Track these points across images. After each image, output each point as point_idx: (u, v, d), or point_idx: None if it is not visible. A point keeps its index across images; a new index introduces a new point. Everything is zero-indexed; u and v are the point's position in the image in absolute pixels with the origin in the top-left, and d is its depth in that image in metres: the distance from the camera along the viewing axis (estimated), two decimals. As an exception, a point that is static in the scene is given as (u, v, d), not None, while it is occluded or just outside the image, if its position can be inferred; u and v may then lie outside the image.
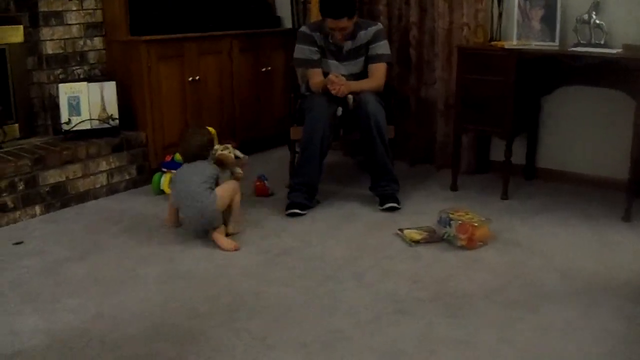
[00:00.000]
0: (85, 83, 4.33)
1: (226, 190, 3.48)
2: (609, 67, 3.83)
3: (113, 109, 4.38)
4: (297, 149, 4.11)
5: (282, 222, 3.79)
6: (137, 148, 4.42)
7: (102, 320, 2.70)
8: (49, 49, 4.31)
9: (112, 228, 3.73)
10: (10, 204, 3.77)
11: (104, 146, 4.24)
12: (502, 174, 4.17)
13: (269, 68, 5.22)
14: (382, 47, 4.11)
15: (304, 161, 3.92)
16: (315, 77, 4.07)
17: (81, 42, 4.47)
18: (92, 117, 4.33)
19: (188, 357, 2.43)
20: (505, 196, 4.12)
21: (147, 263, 3.25)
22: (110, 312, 2.76)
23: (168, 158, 4.25)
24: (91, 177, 4.18)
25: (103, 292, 2.94)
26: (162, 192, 4.24)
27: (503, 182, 4.14)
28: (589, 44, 3.91)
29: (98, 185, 4.23)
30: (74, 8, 4.39)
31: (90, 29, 4.50)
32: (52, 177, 3.97)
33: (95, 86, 4.34)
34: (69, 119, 4.29)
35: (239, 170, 3.86)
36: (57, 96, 4.28)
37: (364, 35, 4.06)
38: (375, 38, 4.08)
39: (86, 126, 4.32)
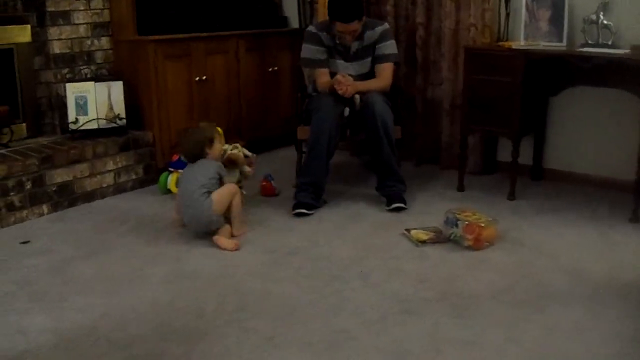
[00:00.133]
0: (92, 82, 4.34)
1: (223, 194, 3.48)
2: (617, 67, 3.82)
3: (120, 108, 4.39)
4: (304, 149, 4.11)
5: (288, 222, 3.79)
6: (144, 147, 4.43)
7: (109, 319, 2.70)
8: (57, 48, 4.32)
9: (119, 227, 3.73)
10: (17, 203, 3.78)
11: (111, 146, 4.25)
12: (509, 174, 4.16)
13: (276, 68, 5.22)
14: (389, 47, 4.10)
15: (311, 161, 3.92)
16: (322, 77, 4.07)
17: (88, 42, 4.48)
18: (99, 117, 4.34)
19: (195, 356, 2.43)
20: (512, 197, 4.11)
21: (154, 262, 3.26)
22: (117, 311, 2.76)
23: (175, 157, 4.26)
24: (98, 176, 4.19)
25: (110, 291, 2.95)
26: (169, 191, 4.25)
27: (510, 182, 4.13)
28: (597, 45, 3.90)
29: (105, 185, 4.24)
30: (82, 8, 4.40)
31: (98, 28, 4.51)
32: (60, 176, 3.98)
33: (102, 86, 4.36)
34: (76, 119, 4.30)
35: (247, 168, 3.88)
36: (65, 96, 4.29)
37: (370, 35, 4.06)
38: (382, 38, 4.08)
39: (93, 126, 4.33)
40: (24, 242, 3.51)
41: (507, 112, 3.99)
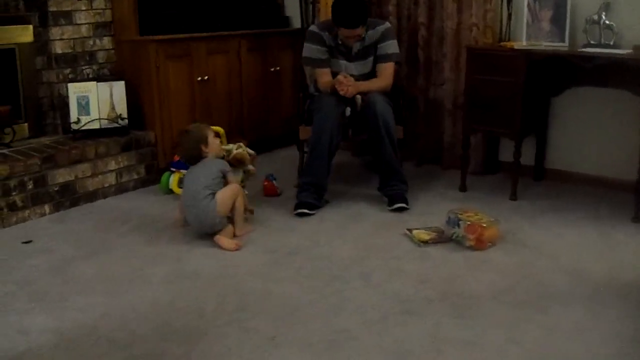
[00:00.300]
0: (94, 82, 4.35)
1: (226, 195, 3.48)
2: (619, 68, 3.81)
3: (122, 108, 4.39)
4: (306, 149, 4.11)
5: (290, 222, 3.79)
6: (145, 147, 4.43)
7: (110, 319, 2.71)
8: (58, 48, 4.32)
9: (120, 227, 3.74)
10: (19, 203, 3.78)
11: (113, 145, 4.26)
12: (511, 174, 4.15)
13: (278, 68, 5.22)
14: (391, 47, 4.10)
15: (313, 161, 3.92)
16: (324, 76, 4.07)
17: (90, 42, 4.49)
18: (101, 117, 4.35)
19: (195, 356, 2.43)
20: (514, 197, 4.11)
21: (155, 262, 3.26)
22: (118, 311, 2.76)
23: (177, 158, 4.26)
24: (100, 176, 4.19)
25: (111, 291, 2.95)
26: (171, 191, 4.26)
27: (512, 182, 4.13)
28: (599, 45, 3.89)
29: (107, 185, 4.24)
30: (83, 8, 4.40)
31: (100, 28, 4.52)
32: (62, 176, 3.99)
33: (104, 86, 4.36)
34: (78, 119, 4.30)
35: (251, 167, 3.88)
36: (67, 96, 4.30)
37: (372, 34, 4.06)
38: (383, 37, 4.08)
39: (95, 125, 4.33)
40: (25, 242, 3.52)
41: (509, 112, 3.98)
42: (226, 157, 3.74)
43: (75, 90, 4.30)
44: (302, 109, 4.33)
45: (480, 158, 4.65)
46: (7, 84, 4.23)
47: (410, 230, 3.55)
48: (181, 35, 4.54)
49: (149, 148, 4.45)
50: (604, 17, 3.89)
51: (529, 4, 4.14)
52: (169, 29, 4.55)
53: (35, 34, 4.28)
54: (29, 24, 4.25)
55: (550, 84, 4.29)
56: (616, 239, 3.50)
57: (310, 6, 4.96)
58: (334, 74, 4.01)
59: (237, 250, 3.37)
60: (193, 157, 3.54)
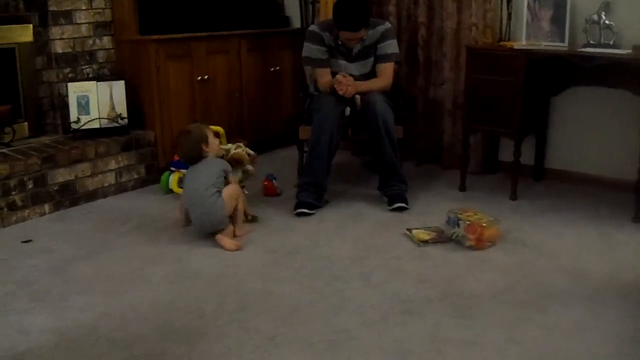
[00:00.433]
0: (94, 82, 4.35)
1: (230, 195, 3.48)
2: (619, 68, 3.82)
3: (122, 108, 4.39)
4: (306, 149, 4.11)
5: (290, 222, 3.79)
6: (145, 147, 4.43)
7: (110, 318, 2.71)
8: (58, 48, 4.32)
9: (120, 227, 3.74)
10: (19, 203, 3.78)
11: (113, 145, 4.26)
12: (511, 174, 4.15)
13: (278, 68, 5.22)
14: (390, 47, 4.10)
15: (312, 161, 3.92)
16: (324, 76, 4.07)
17: (90, 42, 4.48)
18: (101, 116, 4.35)
19: (195, 356, 2.43)
20: (514, 196, 4.11)
21: (155, 262, 3.26)
22: (118, 311, 2.77)
23: (176, 157, 4.26)
24: (100, 175, 4.20)
25: (111, 291, 2.95)
26: (171, 191, 4.26)
27: (512, 182, 4.13)
28: (599, 45, 3.89)
29: (107, 184, 4.24)
30: (83, 7, 4.40)
31: (100, 28, 4.52)
32: (61, 175, 3.99)
33: (104, 85, 4.36)
34: (78, 118, 4.31)
35: (250, 167, 3.88)
36: (66, 95, 4.30)
37: (372, 34, 4.05)
38: (383, 37, 4.07)
39: (95, 125, 4.34)
40: (25, 242, 3.52)
41: (509, 112, 3.98)
42: (225, 156, 3.74)
43: (75, 90, 4.30)
44: (302, 108, 4.33)
45: (480, 158, 4.65)
46: (7, 84, 4.23)
47: (410, 230, 3.55)
48: (181, 35, 4.54)
49: (148, 148, 4.45)
50: (603, 17, 3.90)
51: (528, 4, 4.14)
52: (169, 28, 4.55)
53: (35, 34, 4.28)
54: (29, 23, 4.25)
55: (550, 84, 4.29)
56: (616, 238, 3.50)
57: (310, 6, 4.96)
58: (334, 74, 4.01)
59: (237, 250, 3.38)
60: (193, 157, 3.54)
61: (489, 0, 4.42)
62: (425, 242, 3.43)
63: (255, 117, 5.11)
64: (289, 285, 2.99)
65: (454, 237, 3.43)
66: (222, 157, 3.71)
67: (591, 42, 3.95)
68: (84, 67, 4.45)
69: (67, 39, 4.35)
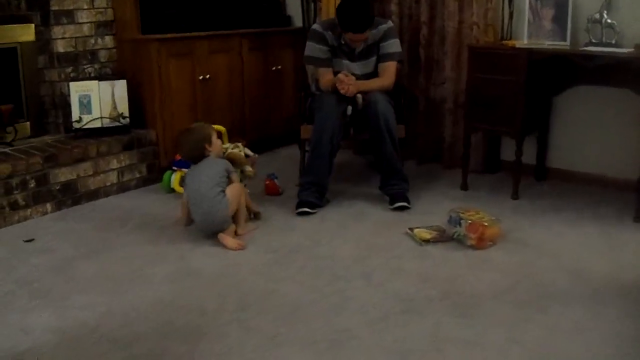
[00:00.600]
0: (96, 81, 4.35)
1: (234, 195, 3.49)
2: (621, 67, 3.81)
3: (124, 107, 4.40)
4: (307, 148, 4.11)
5: (291, 221, 3.79)
6: (147, 146, 4.44)
7: (112, 317, 2.71)
8: (60, 47, 4.33)
9: (122, 226, 3.74)
10: (21, 202, 3.79)
11: (115, 144, 4.26)
12: (513, 173, 4.15)
13: (279, 67, 5.22)
14: (393, 46, 4.10)
15: (314, 160, 3.92)
16: (326, 75, 4.07)
17: (92, 41, 4.49)
18: (103, 116, 4.35)
19: (197, 355, 2.44)
20: (515, 196, 4.11)
21: (156, 261, 3.26)
22: (120, 310, 2.77)
23: (178, 156, 4.26)
24: (102, 175, 4.20)
25: (113, 290, 2.96)
26: (173, 190, 4.26)
27: (513, 181, 4.13)
28: (601, 44, 3.89)
29: (109, 183, 4.25)
30: (85, 7, 4.40)
31: (101, 27, 4.52)
32: (63, 175, 3.99)
33: (106, 84, 4.36)
34: (80, 117, 4.31)
35: (249, 168, 3.88)
36: (68, 94, 4.31)
37: (375, 33, 4.05)
38: (385, 36, 4.07)
39: (97, 124, 4.34)
40: (28, 241, 3.52)
41: (511, 111, 3.98)
42: (222, 156, 3.74)
43: (77, 89, 4.31)
44: (303, 107, 4.33)
45: (481, 157, 4.64)
46: (9, 83, 4.24)
47: (411, 229, 3.55)
48: (183, 34, 4.54)
49: (150, 147, 4.45)
50: (605, 15, 3.89)
51: (530, 3, 4.14)
52: (170, 27, 4.55)
53: (37, 33, 4.28)
54: (31, 22, 4.25)
55: (552, 83, 4.28)
56: (617, 238, 3.50)
57: (312, 5, 4.97)
58: (336, 74, 4.01)
59: (239, 249, 3.38)
60: (195, 156, 3.54)
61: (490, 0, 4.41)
62: (427, 241, 3.43)
63: (256, 116, 5.11)
64: (290, 284, 3.00)
65: (455, 236, 3.43)
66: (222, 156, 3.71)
67: (593, 41, 3.94)
68: (85, 66, 4.45)
69: (68, 38, 4.35)
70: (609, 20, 3.89)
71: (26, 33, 4.25)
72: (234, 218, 3.53)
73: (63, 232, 3.66)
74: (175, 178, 4.25)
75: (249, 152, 3.93)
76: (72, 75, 4.39)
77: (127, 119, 4.41)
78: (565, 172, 4.45)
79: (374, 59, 4.11)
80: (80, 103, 4.31)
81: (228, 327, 2.62)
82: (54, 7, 4.25)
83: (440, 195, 4.21)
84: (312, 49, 4.10)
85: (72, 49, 4.38)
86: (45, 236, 3.59)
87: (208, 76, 4.66)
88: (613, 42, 3.86)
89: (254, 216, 3.78)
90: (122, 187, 4.32)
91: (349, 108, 3.94)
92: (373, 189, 4.20)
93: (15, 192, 3.75)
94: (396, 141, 3.93)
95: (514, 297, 2.85)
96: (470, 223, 3.36)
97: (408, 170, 4.27)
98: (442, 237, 3.46)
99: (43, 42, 4.31)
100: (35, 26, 4.27)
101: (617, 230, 3.60)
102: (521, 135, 4.04)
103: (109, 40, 4.57)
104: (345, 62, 4.09)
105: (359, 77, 4.00)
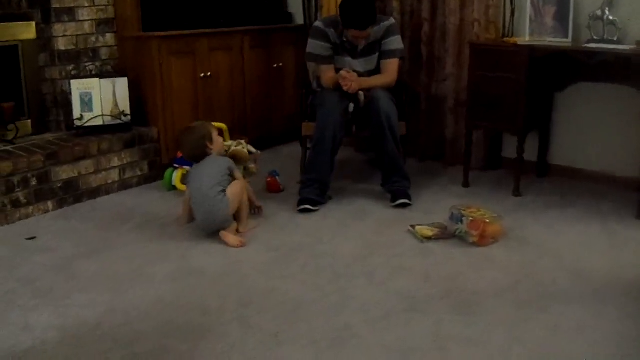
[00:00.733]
0: (97, 79, 4.35)
1: (236, 193, 3.48)
2: (622, 64, 3.80)
3: (125, 105, 4.40)
4: (309, 145, 4.11)
5: (293, 218, 3.79)
6: (149, 144, 4.43)
7: (114, 316, 2.71)
8: (61, 45, 4.32)
9: (123, 224, 3.74)
10: (23, 200, 3.79)
11: (116, 142, 4.26)
12: (514, 170, 4.15)
13: (281, 64, 5.21)
14: (395, 43, 4.09)
15: (316, 157, 3.91)
16: (327, 73, 4.07)
17: (93, 39, 4.48)
18: (104, 113, 4.35)
19: (198, 353, 2.44)
20: (517, 193, 4.10)
21: (158, 259, 3.26)
22: (121, 308, 2.77)
23: (180, 154, 4.26)
24: (103, 172, 4.20)
25: (114, 288, 2.96)
26: (174, 188, 4.26)
27: (515, 179, 4.12)
28: (602, 41, 3.88)
29: (110, 181, 4.25)
30: (86, 4, 4.40)
31: (102, 25, 4.51)
32: (65, 172, 3.99)
33: (107, 82, 4.36)
34: (81, 115, 4.31)
35: (252, 165, 3.88)
36: (70, 92, 4.30)
37: (377, 31, 4.04)
38: (388, 33, 4.07)
39: (98, 122, 4.34)
40: (30, 238, 3.52)
41: (512, 108, 3.97)
42: (225, 154, 3.74)
43: (78, 87, 4.30)
44: (305, 105, 4.33)
45: (482, 154, 4.64)
46: (10, 81, 4.24)
47: (413, 226, 3.55)
48: (184, 32, 4.53)
49: (152, 144, 4.45)
50: (607, 12, 3.89)
51: (532, 0, 4.13)
52: (171, 25, 4.54)
53: (38, 31, 4.27)
54: (32, 20, 4.24)
55: (554, 80, 4.28)
56: (620, 236, 3.50)
57: (313, 2, 4.96)
58: (338, 71, 4.01)
59: (241, 247, 3.38)
60: (197, 155, 3.54)
61: (492, -4, 4.41)
62: (429, 238, 3.43)
63: (258, 114, 5.10)
64: (292, 282, 3.00)
65: (457, 233, 3.43)
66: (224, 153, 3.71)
67: (595, 38, 3.93)
68: (87, 64, 4.45)
69: (70, 36, 4.35)
70: (610, 17, 3.88)
71: (27, 31, 4.24)
72: (236, 216, 3.53)
73: (64, 230, 3.66)
74: (176, 176, 4.25)
75: (252, 148, 3.93)
76: (73, 73, 4.39)
77: (129, 117, 4.41)
78: (566, 169, 4.45)
79: (376, 55, 4.11)
80: (82, 101, 4.31)
81: (229, 326, 2.62)
82: (55, 5, 4.24)
83: (441, 192, 4.20)
84: (314, 46, 4.10)
85: (73, 47, 4.38)
86: (46, 234, 3.59)
87: (209, 74, 4.66)
88: (615, 39, 3.85)
89: (256, 211, 3.78)
90: (123, 185, 4.32)
91: (351, 105, 3.94)
92: (375, 186, 4.19)
93: (16, 190, 3.75)
94: (398, 138, 3.93)
95: (515, 296, 2.85)
96: (472, 220, 3.36)
97: (409, 167, 4.26)
98: (444, 235, 3.46)
99: (44, 40, 4.30)
100: (37, 24, 4.26)
101: (619, 227, 3.60)
102: (523, 132, 4.03)
103: (110, 38, 4.57)
104: (348, 59, 4.09)
105: (361, 74, 3.99)
